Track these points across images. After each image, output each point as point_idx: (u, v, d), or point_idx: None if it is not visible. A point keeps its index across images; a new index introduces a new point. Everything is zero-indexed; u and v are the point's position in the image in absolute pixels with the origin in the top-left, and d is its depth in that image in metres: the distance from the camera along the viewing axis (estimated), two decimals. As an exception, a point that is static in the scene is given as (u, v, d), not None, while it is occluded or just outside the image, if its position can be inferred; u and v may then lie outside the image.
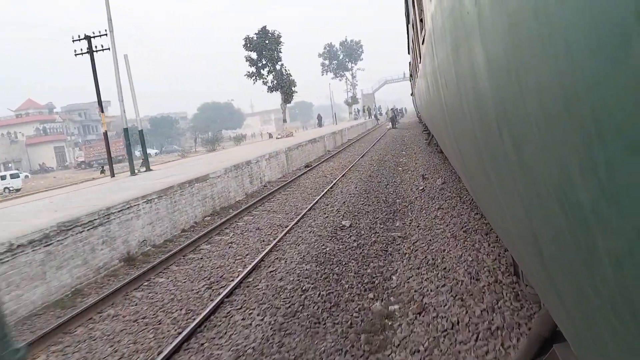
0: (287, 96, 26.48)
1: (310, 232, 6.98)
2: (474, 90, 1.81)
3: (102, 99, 13.23)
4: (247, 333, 4.06)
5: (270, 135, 42.94)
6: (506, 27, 1.14)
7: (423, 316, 3.88)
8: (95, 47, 13.46)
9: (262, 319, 4.27)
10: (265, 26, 25.78)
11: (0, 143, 62.84)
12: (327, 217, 7.91)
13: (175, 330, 4.38)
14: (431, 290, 4.35)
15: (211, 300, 4.94)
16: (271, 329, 4.06)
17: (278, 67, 26.17)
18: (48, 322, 5.04)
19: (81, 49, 13.64)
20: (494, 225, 2.68)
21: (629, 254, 0.71)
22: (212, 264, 6.35)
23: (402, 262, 5.44)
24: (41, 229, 5.68)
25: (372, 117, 53.80)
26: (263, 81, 26.06)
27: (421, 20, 5.38)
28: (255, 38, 25.63)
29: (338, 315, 4.16)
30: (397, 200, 8.93)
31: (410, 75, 28.14)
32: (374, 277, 5.04)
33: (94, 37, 13.43)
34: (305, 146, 18.76)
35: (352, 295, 4.60)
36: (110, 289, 5.82)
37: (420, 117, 31.15)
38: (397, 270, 5.24)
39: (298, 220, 8.04)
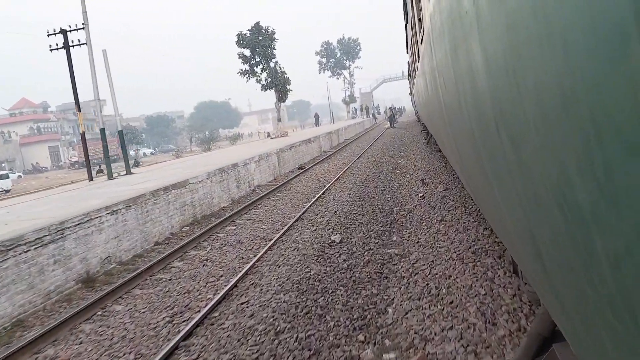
0: (282, 95, 25.53)
1: (294, 250, 6.09)
2: (472, 90, 1.81)
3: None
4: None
5: (268, 134, 42.03)
6: (504, 27, 1.14)
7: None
8: (72, 41, 12.55)
9: (224, 372, 3.41)
10: (258, 22, 24.85)
11: (-6, 143, 61.93)
12: (315, 229, 7.04)
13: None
14: (435, 334, 3.49)
15: (168, 340, 4.07)
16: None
17: (272, 64, 25.23)
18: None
19: (57, 44, 12.72)
20: (493, 225, 2.67)
21: (628, 254, 0.71)
22: (180, 288, 5.47)
23: (400, 288, 4.58)
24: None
25: (370, 116, 52.91)
26: (256, 79, 25.12)
27: (420, 20, 5.36)
28: (248, 34, 24.69)
29: (318, 369, 3.29)
30: (395, 208, 8.07)
31: (409, 75, 27.77)
32: (365, 311, 4.17)
33: (69, 31, 12.49)
34: (298, 147, 17.88)
35: (337, 337, 3.73)
36: (58, 319, 4.96)
37: (418, 116, 30.45)
38: (393, 299, 4.38)
39: (284, 233, 7.18)
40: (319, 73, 54.11)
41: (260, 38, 24.53)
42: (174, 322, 4.53)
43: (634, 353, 0.80)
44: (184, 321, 4.47)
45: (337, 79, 55.33)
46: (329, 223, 7.27)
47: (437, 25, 2.86)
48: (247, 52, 24.93)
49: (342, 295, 4.51)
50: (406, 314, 4.00)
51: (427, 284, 4.48)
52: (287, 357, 3.41)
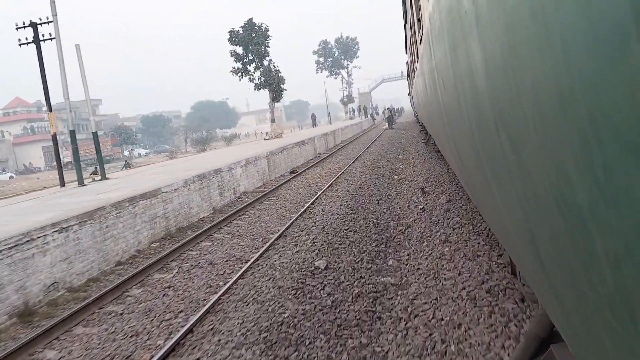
0: (276, 94, 24.48)
1: (269, 280, 5.09)
2: (471, 90, 1.81)
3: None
4: None
5: (267, 134, 40.95)
6: (504, 27, 1.14)
7: None
8: (43, 35, 11.55)
9: None
10: (251, 18, 23.80)
11: (-14, 142, 61.02)
12: (297, 251, 6.04)
13: None
14: None
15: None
16: None
17: (266, 62, 24.18)
18: None
19: (26, 38, 11.71)
20: (492, 226, 2.67)
21: (627, 254, 0.71)
22: (129, 328, 4.49)
23: (396, 336, 3.61)
24: None
25: (369, 116, 51.92)
26: (249, 78, 24.07)
27: (419, 20, 5.34)
28: (241, 31, 23.65)
29: None
30: (391, 222, 7.10)
31: (408, 75, 27.08)
32: (350, 373, 3.20)
33: (40, 24, 11.48)
34: (291, 149, 16.89)
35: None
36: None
37: (417, 117, 29.60)
38: (387, 351, 3.42)
39: (262, 253, 6.20)
40: (317, 72, 53.05)
41: (254, 35, 23.50)
42: (107, 381, 3.55)
43: (633, 354, 0.78)
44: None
45: (335, 78, 54.31)
46: (314, 243, 6.28)
47: (436, 25, 2.85)
48: (239, 50, 23.90)
49: (322, 348, 3.53)
50: (403, 379, 3.03)
51: (431, 334, 3.51)
52: None
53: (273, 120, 25.22)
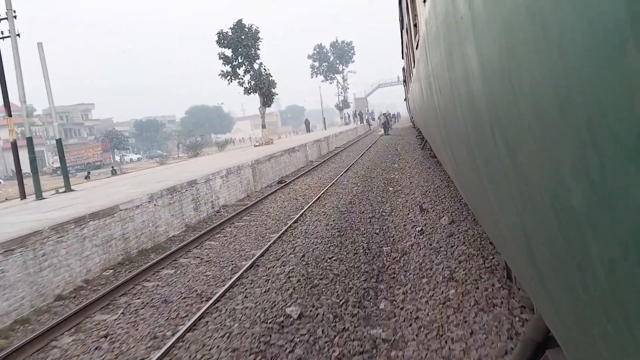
0: (267, 99, 23.40)
1: (224, 336, 3.95)
2: (467, 95, 1.81)
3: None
4: None
5: (257, 141, 39.84)
6: (500, 32, 1.14)
7: None
8: (2, 32, 10.46)
9: None
10: (240, 19, 22.75)
11: (-27, 147, 59.63)
12: (268, 289, 4.93)
13: None
14: None
15: None
16: None
17: (256, 66, 23.12)
18: None
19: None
20: (487, 229, 2.63)
21: (622, 258, 0.70)
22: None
23: None
24: None
25: (364, 122, 50.96)
26: (239, 82, 22.99)
27: (415, 26, 5.38)
28: (229, 33, 22.60)
29: None
30: (384, 248, 6.03)
31: (404, 81, 26.31)
32: None
33: (-4, 20, 10.42)
34: (279, 157, 15.82)
35: None
36: None
37: (413, 122, 28.73)
38: None
39: (228, 288, 5.11)
40: (312, 77, 52.04)
41: (243, 37, 22.46)
42: None
43: (628, 359, 0.77)
44: None
45: (330, 83, 53.31)
46: (289, 278, 5.16)
47: (432, 30, 2.88)
48: (228, 53, 22.86)
49: None
50: None
51: None
52: None
53: (264, 126, 24.13)
